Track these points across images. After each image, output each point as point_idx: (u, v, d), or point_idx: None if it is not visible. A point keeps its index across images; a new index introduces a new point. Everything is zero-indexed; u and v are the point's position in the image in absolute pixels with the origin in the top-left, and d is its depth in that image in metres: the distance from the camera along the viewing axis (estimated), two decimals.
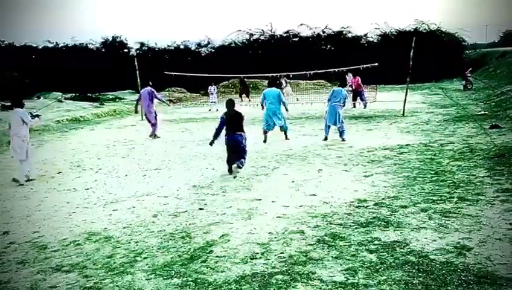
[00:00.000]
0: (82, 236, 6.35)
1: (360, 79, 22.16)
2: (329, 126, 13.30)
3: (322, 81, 35.01)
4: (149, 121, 15.69)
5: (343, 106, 13.36)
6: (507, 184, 7.44)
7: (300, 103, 22.85)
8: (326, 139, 13.20)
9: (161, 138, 15.31)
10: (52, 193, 8.87)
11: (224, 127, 9.83)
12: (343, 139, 13.02)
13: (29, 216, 7.41)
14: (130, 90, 34.79)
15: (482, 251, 4.98)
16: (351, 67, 21.80)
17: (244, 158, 9.94)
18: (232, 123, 9.85)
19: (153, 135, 15.47)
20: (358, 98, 22.32)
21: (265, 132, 13.48)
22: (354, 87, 22.26)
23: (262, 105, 14.24)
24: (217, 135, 9.89)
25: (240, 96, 27.39)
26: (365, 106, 21.87)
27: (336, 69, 22.50)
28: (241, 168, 9.72)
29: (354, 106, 22.15)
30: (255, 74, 27.87)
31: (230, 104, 9.97)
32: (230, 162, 9.80)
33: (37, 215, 7.47)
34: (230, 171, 9.66)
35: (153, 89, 15.73)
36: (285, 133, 13.70)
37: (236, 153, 9.77)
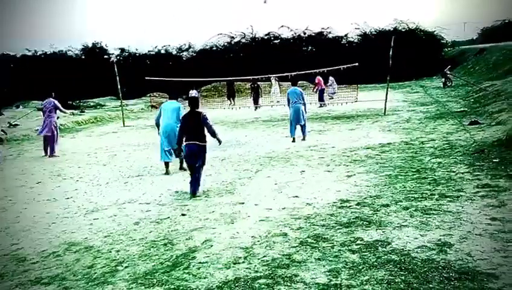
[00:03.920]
0: (62, 247, 6.23)
1: (322, 79, 23.35)
2: (295, 127, 13.46)
3: (305, 82, 35.17)
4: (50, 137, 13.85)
5: (304, 104, 13.55)
6: (486, 179, 7.53)
7: (283, 105, 22.90)
8: (294, 140, 13.31)
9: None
10: (32, 203, 8.71)
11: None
12: (304, 138, 13.33)
13: (8, 228, 7.25)
14: (111, 97, 34.50)
15: (462, 247, 5.01)
16: (331, 68, 21.98)
17: (199, 183, 8.33)
18: (188, 127, 8.26)
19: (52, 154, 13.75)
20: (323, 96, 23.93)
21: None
22: (319, 87, 23.60)
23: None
24: (179, 141, 8.39)
25: (228, 98, 27.72)
26: (323, 106, 23.28)
27: (317, 70, 22.64)
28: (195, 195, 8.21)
29: (321, 106, 23.27)
30: (237, 77, 27.84)
31: (191, 102, 8.51)
32: (192, 182, 8.29)
33: (15, 227, 7.31)
34: (193, 194, 8.24)
35: (56, 101, 14.25)
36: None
37: (193, 169, 8.29)
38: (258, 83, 25.84)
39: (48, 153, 13.83)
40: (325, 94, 24.67)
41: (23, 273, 5.47)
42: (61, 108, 14.70)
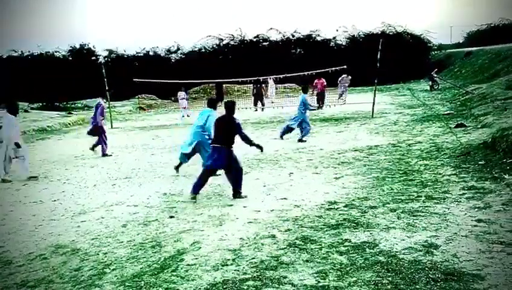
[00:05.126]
0: (48, 249, 6.17)
1: (325, 81, 22.85)
2: (288, 129, 14.12)
3: (293, 85, 35.25)
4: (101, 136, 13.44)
5: (304, 111, 13.81)
6: (472, 181, 7.62)
7: (272, 107, 22.98)
8: (282, 138, 14.06)
9: (130, 146, 15.09)
10: (18, 205, 8.60)
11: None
12: (300, 140, 13.54)
13: None
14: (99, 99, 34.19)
15: (448, 249, 5.07)
16: (320, 70, 22.06)
17: (241, 181, 8.13)
18: (219, 130, 8.13)
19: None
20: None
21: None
22: (318, 90, 23.10)
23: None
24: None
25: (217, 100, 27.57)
26: (322, 108, 22.82)
27: (306, 73, 22.72)
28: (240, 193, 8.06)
29: (319, 108, 22.91)
30: (226, 79, 27.83)
31: (228, 107, 8.19)
32: (198, 185, 8.10)
33: (1, 229, 7.22)
34: (194, 197, 8.04)
35: (101, 102, 13.71)
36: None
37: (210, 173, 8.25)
38: (262, 84, 25.66)
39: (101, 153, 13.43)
40: (341, 88, 24.47)
41: (9, 277, 5.41)
42: (101, 111, 13.28)
